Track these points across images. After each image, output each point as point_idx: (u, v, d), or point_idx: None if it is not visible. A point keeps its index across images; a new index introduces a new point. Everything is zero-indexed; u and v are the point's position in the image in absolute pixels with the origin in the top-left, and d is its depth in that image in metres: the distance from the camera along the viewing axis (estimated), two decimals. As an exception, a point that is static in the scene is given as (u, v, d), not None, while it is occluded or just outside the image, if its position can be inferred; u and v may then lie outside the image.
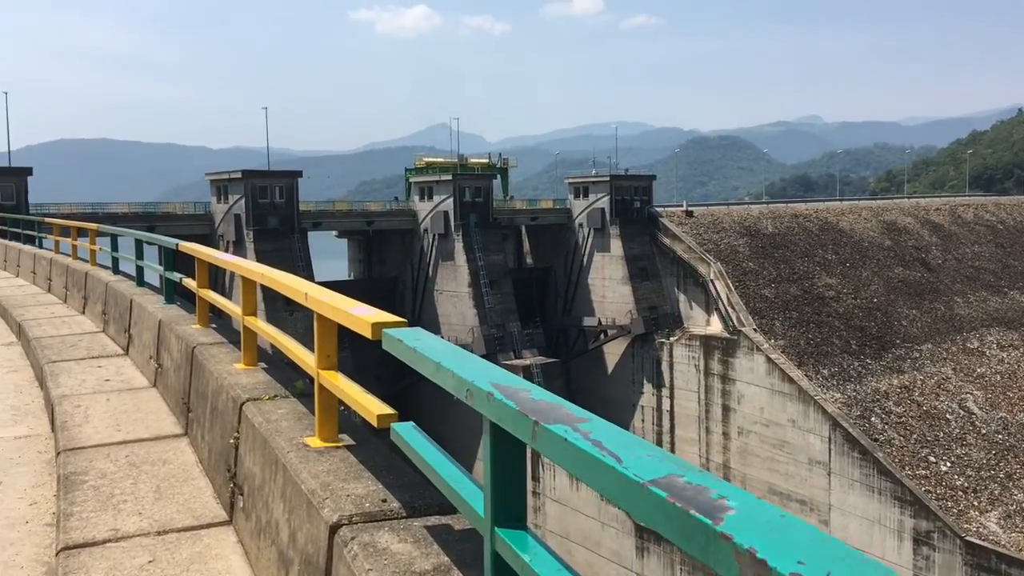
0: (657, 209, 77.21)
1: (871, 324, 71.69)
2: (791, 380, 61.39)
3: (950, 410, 65.02)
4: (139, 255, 12.41)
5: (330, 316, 4.70)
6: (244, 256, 61.63)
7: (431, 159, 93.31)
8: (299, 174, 66.87)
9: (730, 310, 66.60)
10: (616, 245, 73.68)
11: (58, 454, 6.62)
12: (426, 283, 71.28)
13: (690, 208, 79.11)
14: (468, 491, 3.03)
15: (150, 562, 4.91)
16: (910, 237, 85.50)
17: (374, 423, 4.02)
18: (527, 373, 64.95)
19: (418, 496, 3.89)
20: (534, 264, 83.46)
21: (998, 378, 70.76)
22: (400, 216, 73.98)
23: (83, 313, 13.25)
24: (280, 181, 64.87)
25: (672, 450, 69.46)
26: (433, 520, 3.68)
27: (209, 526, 5.41)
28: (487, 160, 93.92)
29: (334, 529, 3.70)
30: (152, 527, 5.28)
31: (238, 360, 7.19)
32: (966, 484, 57.84)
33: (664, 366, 70.62)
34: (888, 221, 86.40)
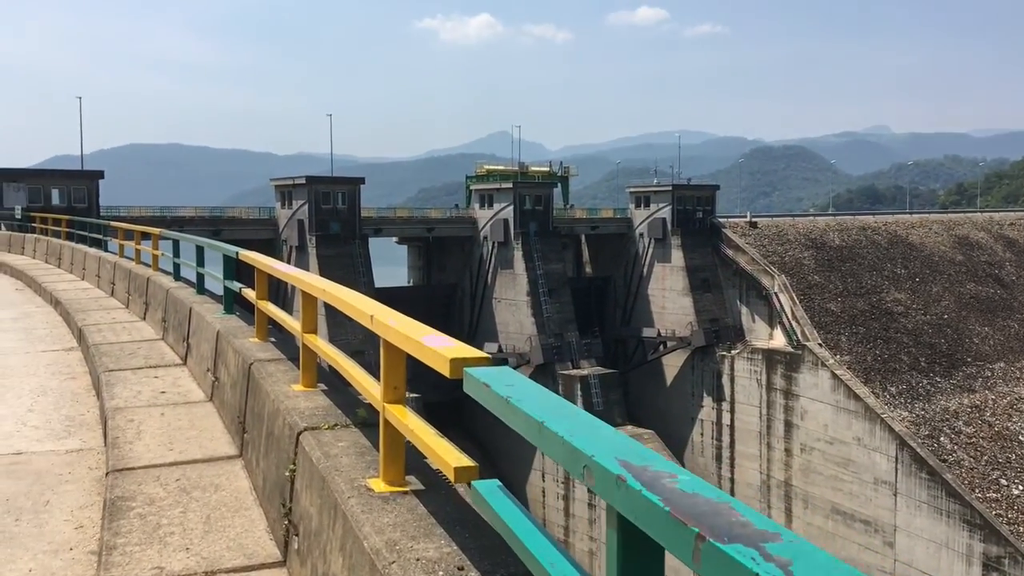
0: (720, 219, 76.09)
1: (941, 341, 69.73)
2: (857, 397, 59.94)
3: (1023, 432, 62.87)
4: (200, 262, 12.17)
5: (398, 344, 4.19)
6: (306, 261, 62.25)
7: (492, 167, 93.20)
8: (361, 181, 67.21)
9: (794, 324, 65.29)
10: (677, 255, 72.80)
11: (107, 474, 6.34)
12: (484, 291, 71.08)
13: (754, 219, 77.82)
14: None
15: None
16: (983, 252, 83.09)
17: (450, 476, 3.53)
18: (584, 383, 64.45)
19: (500, 564, 3.32)
20: (593, 273, 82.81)
21: (1075, 400, 68.24)
22: (460, 223, 73.95)
23: (143, 319, 13.10)
24: (343, 187, 65.26)
25: (732, 466, 68.33)
26: (521, 602, 3.25)
27: (261, 567, 4.99)
28: (548, 168, 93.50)
29: None
30: (199, 566, 4.89)
31: (296, 380, 6.79)
32: (1040, 509, 55.84)
33: (725, 379, 69.48)
34: (960, 235, 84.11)
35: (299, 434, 5.32)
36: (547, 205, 72.03)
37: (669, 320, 72.80)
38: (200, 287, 12.23)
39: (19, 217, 44.77)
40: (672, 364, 73.22)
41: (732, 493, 67.65)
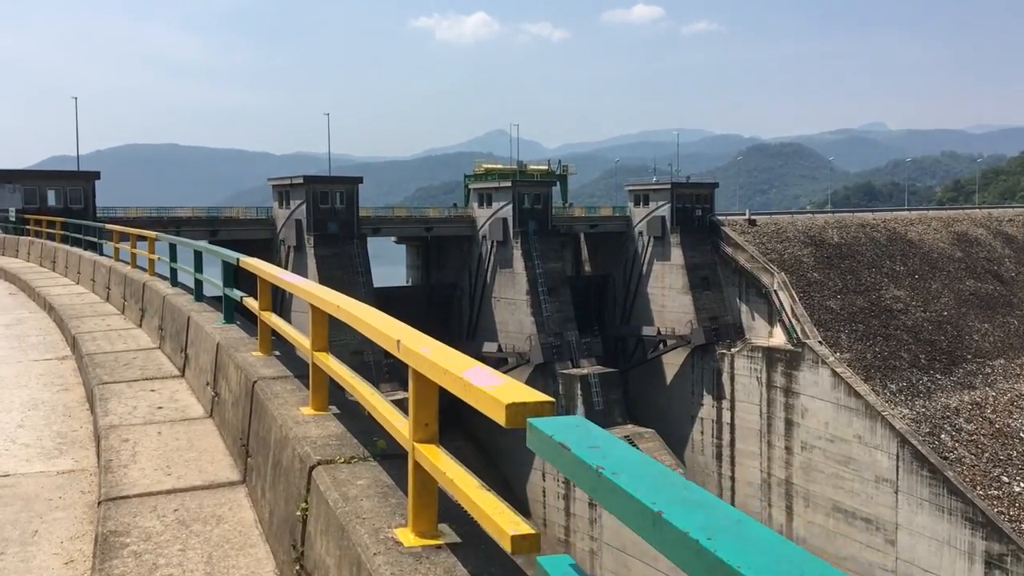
0: (719, 217, 75.78)
1: (941, 338, 69.51)
2: (857, 395, 59.69)
3: (1024, 429, 62.67)
4: (198, 267, 11.68)
5: (433, 378, 3.58)
6: (304, 261, 61.85)
7: (491, 165, 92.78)
8: (360, 180, 66.87)
9: (794, 321, 65.01)
10: (676, 254, 72.49)
11: (99, 503, 5.84)
12: (484, 290, 70.71)
13: (753, 216, 77.52)
14: None
15: None
16: (982, 248, 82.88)
17: (505, 546, 2.84)
18: (584, 382, 64.15)
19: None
20: (592, 272, 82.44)
21: (1076, 396, 68.02)
22: (459, 223, 73.58)
23: (140, 326, 12.61)
24: (341, 187, 64.91)
25: (732, 464, 68.05)
26: None
27: (270, 621, 4.49)
28: (547, 167, 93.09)
29: None
30: (202, 617, 4.43)
31: (305, 402, 6.21)
32: (1042, 507, 55.62)
33: (725, 378, 69.19)
34: (959, 232, 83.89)
35: (312, 468, 4.78)
36: (546, 204, 71.69)
37: (669, 318, 72.49)
38: (198, 294, 11.71)
39: (13, 219, 44.28)
40: (672, 363, 72.90)
41: (732, 491, 67.54)
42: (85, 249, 22.23)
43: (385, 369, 55.38)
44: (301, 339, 6.62)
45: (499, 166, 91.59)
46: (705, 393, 70.58)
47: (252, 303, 8.51)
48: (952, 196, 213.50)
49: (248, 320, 9.52)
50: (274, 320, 7.70)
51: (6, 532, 5.93)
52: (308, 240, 62.10)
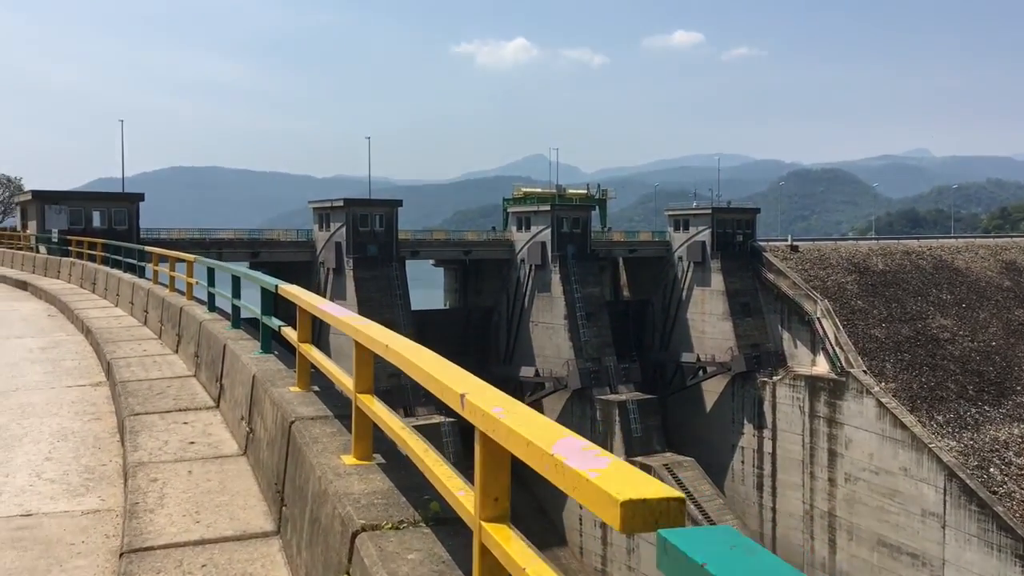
0: (760, 243, 74.96)
1: (989, 369, 67.93)
2: (903, 426, 58.46)
3: (1077, 464, 60.88)
4: (236, 293, 11.26)
5: (510, 447, 2.94)
6: (344, 284, 61.95)
7: (529, 189, 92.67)
8: (399, 203, 67.02)
9: (838, 350, 63.96)
10: (717, 279, 71.75)
11: (121, 555, 5.38)
12: (521, 314, 70.35)
13: (795, 243, 76.58)
14: None
15: None
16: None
17: None
18: (623, 409, 63.46)
19: None
20: (631, 297, 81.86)
21: None
22: (497, 246, 73.41)
23: (176, 352, 12.30)
24: (380, 210, 65.05)
25: (773, 495, 66.84)
26: None
27: None
28: (585, 191, 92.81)
29: None
30: None
31: (347, 449, 5.63)
32: (1097, 545, 53.85)
33: (766, 406, 68.14)
34: (1007, 260, 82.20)
35: (354, 535, 4.19)
36: (585, 228, 71.35)
37: (709, 345, 71.67)
38: (235, 321, 11.29)
39: (55, 240, 44.71)
40: (712, 390, 71.98)
41: (774, 523, 66.33)
42: (125, 271, 22.18)
43: (422, 393, 55.08)
44: (343, 378, 6.06)
45: (538, 190, 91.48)
46: (746, 421, 69.53)
47: (290, 333, 8.04)
48: (998, 224, 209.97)
49: (286, 349, 9.06)
50: (314, 354, 7.17)
51: None
52: (347, 262, 62.22)
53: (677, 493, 2.14)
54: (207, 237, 63.17)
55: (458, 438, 54.74)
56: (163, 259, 17.93)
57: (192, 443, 7.84)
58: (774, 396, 67.59)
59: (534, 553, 2.91)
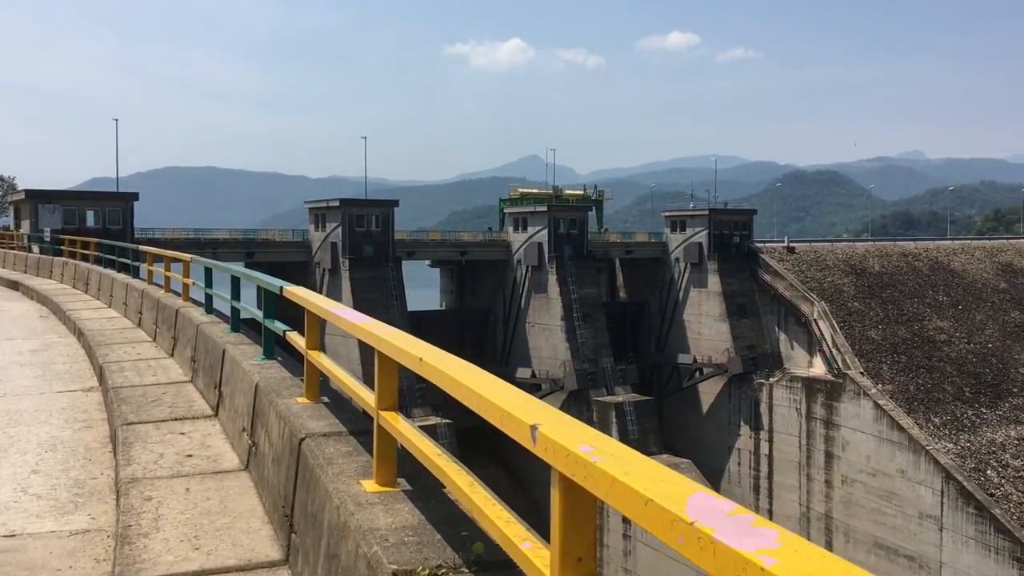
0: (757, 244, 74.78)
1: (986, 371, 67.81)
2: (901, 428, 58.35)
3: (1075, 466, 60.77)
4: (235, 295, 10.68)
5: (616, 501, 2.26)
6: (339, 284, 61.60)
7: (526, 190, 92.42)
8: (395, 203, 66.71)
9: (835, 352, 63.80)
10: (714, 281, 71.56)
11: None
12: (518, 315, 70.08)
13: (792, 244, 76.42)
14: None
15: None
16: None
17: None
18: (619, 410, 63.23)
19: None
20: (628, 298, 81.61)
21: None
22: (493, 247, 73.12)
23: (171, 356, 11.87)
24: (376, 210, 64.73)
25: (770, 497, 66.67)
26: None
27: None
28: (582, 192, 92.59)
29: None
30: None
31: (367, 472, 4.98)
32: (1095, 548, 53.72)
33: (763, 408, 67.98)
34: (1003, 262, 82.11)
35: None
36: (582, 229, 71.10)
37: (705, 346, 71.47)
38: (235, 324, 10.72)
39: (48, 240, 44.31)
40: (708, 391, 71.79)
41: (770, 525, 66.02)
42: (119, 271, 21.84)
43: (417, 393, 54.68)
44: (362, 392, 5.42)
45: (535, 191, 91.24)
46: (742, 423, 69.34)
47: (297, 339, 7.40)
48: (992, 225, 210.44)
49: (289, 354, 8.53)
50: (325, 363, 6.53)
51: None
52: (343, 263, 61.88)
53: (849, 566, 1.65)
54: (202, 237, 62.79)
55: (455, 440, 54.52)
56: (158, 259, 17.57)
57: (189, 456, 7.37)
58: (771, 398, 67.41)
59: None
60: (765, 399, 67.78)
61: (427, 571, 3.62)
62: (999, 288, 78.00)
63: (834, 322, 65.25)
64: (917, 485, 57.05)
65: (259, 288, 8.94)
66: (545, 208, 70.65)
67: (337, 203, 63.30)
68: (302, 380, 7.20)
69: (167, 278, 16.29)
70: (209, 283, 12.82)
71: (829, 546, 62.43)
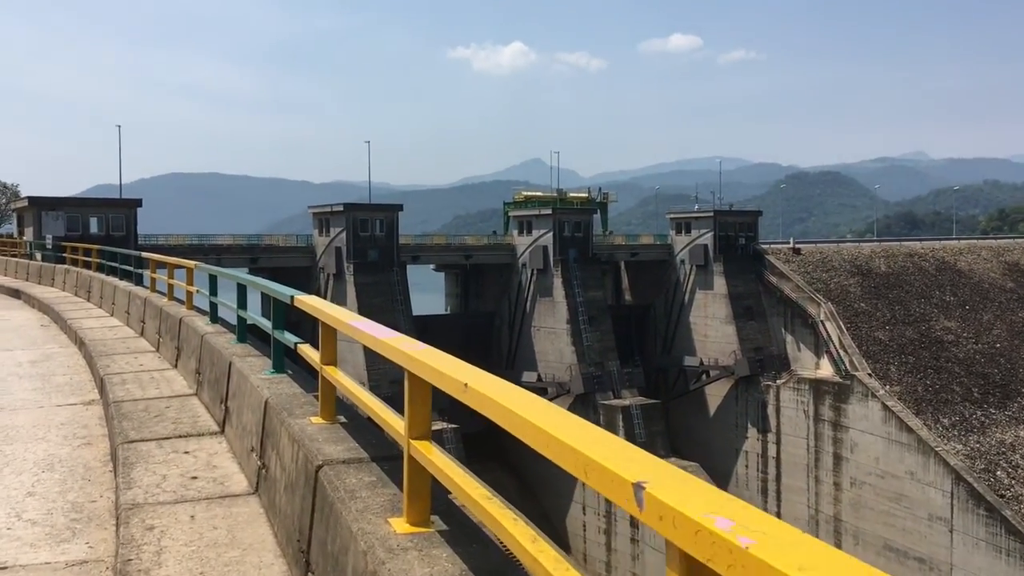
0: (763, 246, 74.41)
1: (994, 371, 67.36)
2: (909, 429, 57.90)
3: (1085, 467, 60.29)
4: (241, 303, 10.11)
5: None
6: (344, 289, 61.26)
7: (530, 193, 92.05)
8: (400, 208, 66.38)
9: (842, 353, 63.39)
10: (719, 283, 71.18)
11: None
12: (523, 319, 69.74)
13: (797, 245, 76.02)
14: None
15: None
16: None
17: None
18: (626, 413, 62.88)
19: None
20: (633, 301, 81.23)
21: None
22: (498, 250, 72.79)
23: (175, 367, 11.56)
24: (381, 214, 64.43)
25: (778, 499, 66.28)
26: None
27: None
28: (587, 194, 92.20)
29: None
30: None
31: (396, 507, 4.40)
32: (1108, 549, 53.26)
33: (770, 410, 67.56)
34: (1010, 262, 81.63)
35: None
36: (587, 231, 70.75)
37: (712, 349, 71.08)
38: (241, 334, 10.19)
39: (50, 247, 44.03)
40: (715, 394, 71.38)
41: (779, 528, 65.61)
42: (121, 278, 21.52)
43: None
44: (390, 418, 4.78)
45: (539, 194, 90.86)
46: (749, 426, 68.92)
47: (310, 353, 6.80)
48: (997, 225, 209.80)
49: (300, 367, 7.99)
50: (343, 380, 5.91)
51: None
52: (348, 268, 61.58)
53: None
54: (206, 243, 62.52)
55: (461, 445, 54.21)
56: (161, 266, 17.24)
57: (195, 478, 6.88)
58: (778, 400, 67.01)
59: None
60: (772, 401, 67.39)
61: None
62: (1006, 288, 77.54)
63: (841, 323, 64.84)
64: (926, 487, 56.62)
65: (267, 296, 8.41)
66: (550, 211, 70.32)
67: (341, 208, 63.00)
68: (316, 397, 6.64)
69: (170, 286, 15.97)
70: (214, 291, 12.33)
71: (838, 548, 61.82)
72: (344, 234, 62.01)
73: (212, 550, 5.47)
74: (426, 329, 65.91)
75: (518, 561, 3.01)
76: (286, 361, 8.18)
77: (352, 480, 4.85)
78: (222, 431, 8.08)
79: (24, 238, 55.51)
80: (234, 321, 10.78)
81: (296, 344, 7.36)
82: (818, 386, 64.33)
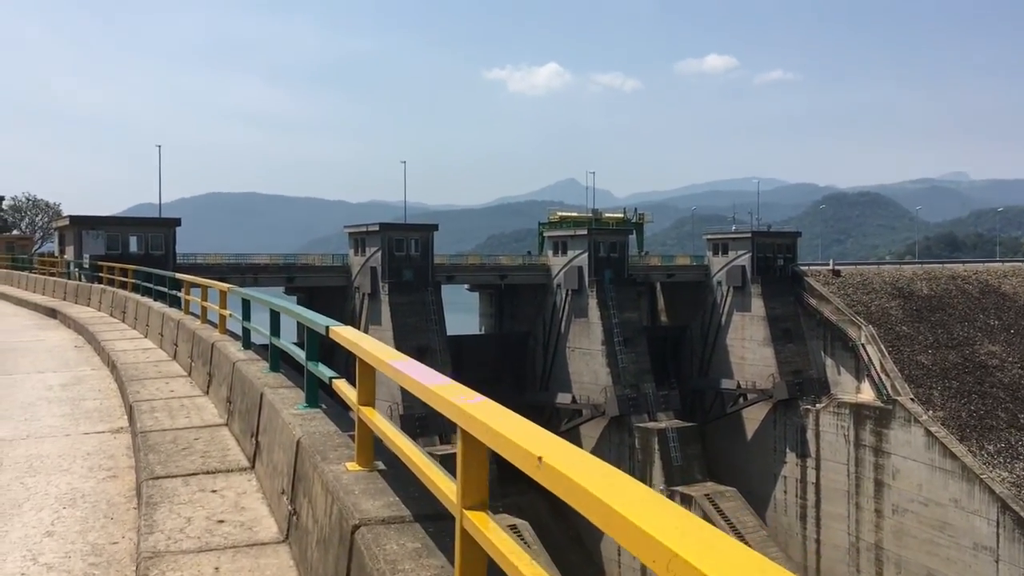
0: (801, 267, 73.44)
1: (1041, 397, 65.73)
2: (953, 456, 56.62)
3: None
4: (274, 330, 9.54)
5: None
6: (379, 309, 61.13)
7: (565, 213, 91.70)
8: (435, 228, 66.31)
9: (884, 377, 62.22)
10: (757, 304, 70.30)
11: None
12: (558, 339, 69.24)
13: (837, 267, 74.93)
14: None
15: None
16: (1083, 302, 78.68)
17: None
18: (662, 436, 62.08)
19: None
20: (669, 322, 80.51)
21: None
22: (533, 270, 72.46)
23: (206, 394, 11.27)
24: (416, 234, 64.39)
25: (818, 526, 65.04)
26: None
27: None
28: (622, 215, 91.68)
29: None
30: None
31: None
32: None
33: (809, 434, 66.43)
34: (1057, 285, 79.82)
35: None
36: (622, 252, 70.22)
37: (749, 371, 70.13)
38: (274, 363, 9.68)
39: (87, 266, 44.22)
40: (753, 418, 70.35)
41: (818, 555, 64.52)
42: (155, 299, 21.37)
43: (417, 423, 53.38)
44: (440, 479, 4.04)
45: (574, 214, 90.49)
46: (788, 450, 67.78)
47: (346, 391, 6.21)
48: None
49: (333, 399, 7.38)
50: (382, 426, 5.24)
51: None
52: (383, 287, 61.49)
53: None
54: (243, 262, 62.82)
55: (494, 466, 53.55)
56: (195, 287, 17.02)
57: (221, 522, 6.35)
58: (817, 424, 65.88)
59: None
60: (812, 425, 66.27)
61: None
62: (1053, 311, 75.82)
63: (882, 347, 63.73)
64: (971, 515, 55.25)
65: (300, 325, 7.93)
66: (585, 231, 69.93)
67: (376, 227, 63.04)
68: (351, 437, 6.12)
69: (203, 308, 15.72)
70: (247, 316, 11.98)
71: (880, 577, 60.75)
72: (379, 254, 61.99)
73: None
74: (460, 349, 65.68)
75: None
76: (321, 393, 7.69)
77: (393, 546, 4.27)
78: (252, 467, 7.59)
79: (65, 256, 56.02)
80: (267, 345, 10.37)
81: (331, 379, 6.84)
82: (859, 411, 63.16)
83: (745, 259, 72.07)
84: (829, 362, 68.01)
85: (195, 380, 12.51)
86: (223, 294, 14.00)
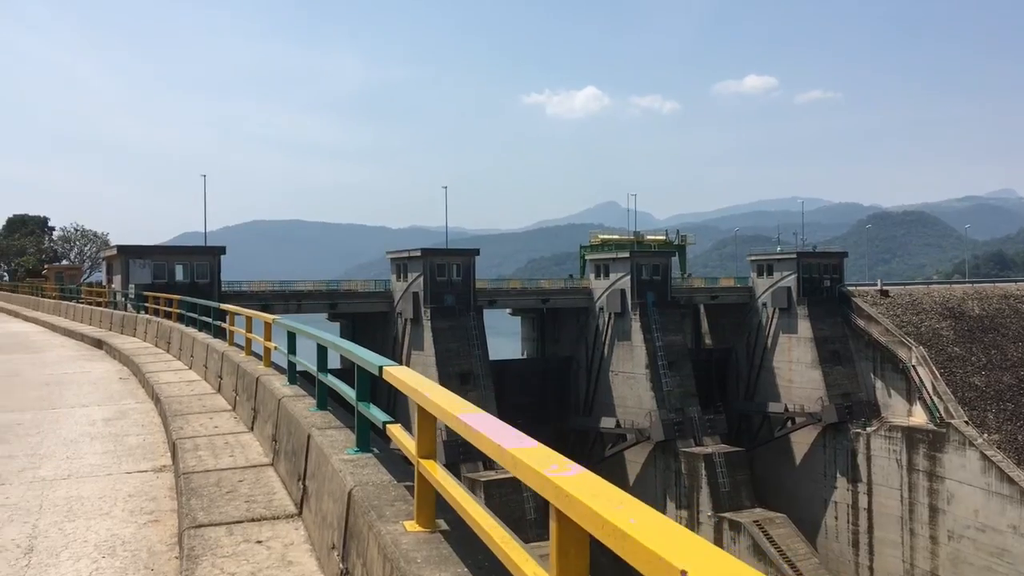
0: (849, 288, 72.16)
1: (1101, 419, 63.71)
2: (1011, 480, 55.04)
3: None
4: (321, 366, 8.98)
5: None
6: (421, 334, 60.95)
7: (607, 236, 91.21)
8: (476, 252, 66.18)
9: (936, 399, 60.77)
10: (804, 326, 69.14)
11: None
12: (601, 363, 68.58)
13: (885, 287, 73.54)
14: None
15: None
16: None
17: None
18: (709, 461, 61.08)
19: None
20: (713, 345, 79.52)
21: None
22: (575, 294, 71.98)
23: (251, 430, 10.91)
24: (457, 259, 64.29)
25: (870, 553, 63.50)
26: None
27: None
28: (664, 237, 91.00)
29: None
30: None
31: None
32: None
33: (860, 459, 64.99)
34: (1113, 303, 77.62)
35: None
36: (665, 274, 69.54)
37: (797, 394, 68.91)
38: (321, 400, 9.17)
39: (132, 296, 44.51)
40: (801, 442, 69.01)
41: (872, 584, 62.71)
42: (200, 329, 21.26)
43: (460, 449, 52.68)
44: (526, 565, 3.36)
45: (616, 237, 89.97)
46: (838, 475, 66.36)
47: (403, 440, 5.70)
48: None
49: (384, 440, 6.90)
50: (444, 483, 4.65)
51: None
52: (425, 312, 61.38)
53: None
54: (287, 289, 63.14)
55: (540, 503, 52.72)
56: (239, 316, 16.81)
57: None
58: (868, 448, 64.45)
59: None
60: (862, 449, 64.85)
61: None
62: (1110, 331, 73.72)
63: (934, 368, 62.30)
64: (1031, 542, 53.56)
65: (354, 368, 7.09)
66: (627, 254, 69.38)
67: (418, 253, 63.05)
68: (407, 488, 5.61)
69: (248, 340, 15.49)
70: (292, 350, 11.60)
71: (936, 606, 59.03)
72: (421, 279, 61.94)
73: None
74: (503, 374, 65.28)
75: None
76: (372, 435, 7.16)
77: None
78: (299, 513, 7.08)
79: (112, 286, 56.62)
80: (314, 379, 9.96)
81: (385, 424, 6.34)
82: (911, 434, 61.70)
83: (791, 280, 71.03)
84: (879, 384, 66.63)
85: (239, 415, 12.24)
86: (268, 326, 13.73)
